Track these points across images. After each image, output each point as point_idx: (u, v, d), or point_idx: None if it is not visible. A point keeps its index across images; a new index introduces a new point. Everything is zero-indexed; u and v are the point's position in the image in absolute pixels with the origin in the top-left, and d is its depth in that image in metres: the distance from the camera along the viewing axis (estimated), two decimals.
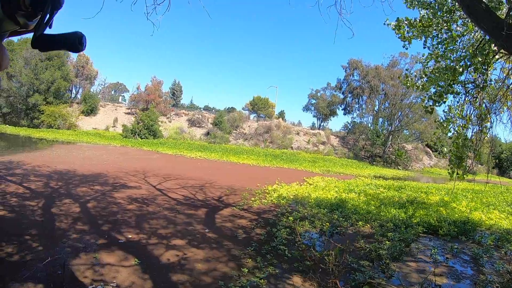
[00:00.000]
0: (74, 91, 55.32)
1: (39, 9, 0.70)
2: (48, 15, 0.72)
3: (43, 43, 0.74)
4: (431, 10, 7.67)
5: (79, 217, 7.92)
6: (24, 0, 0.68)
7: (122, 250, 6.06)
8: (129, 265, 5.47)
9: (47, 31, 0.75)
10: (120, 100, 72.85)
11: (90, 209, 8.67)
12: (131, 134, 42.52)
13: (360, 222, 9.79)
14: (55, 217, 7.70)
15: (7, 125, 43.43)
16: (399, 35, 8.30)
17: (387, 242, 7.96)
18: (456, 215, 12.00)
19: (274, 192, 13.91)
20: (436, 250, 7.87)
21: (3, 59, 0.52)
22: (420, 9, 7.94)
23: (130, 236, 6.85)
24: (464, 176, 7.20)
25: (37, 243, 6.06)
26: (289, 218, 9.39)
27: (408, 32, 8.21)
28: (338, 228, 8.85)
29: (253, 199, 12.12)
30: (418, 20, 7.92)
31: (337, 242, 6.28)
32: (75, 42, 0.74)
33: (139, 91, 54.71)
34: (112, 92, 79.53)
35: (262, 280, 5.32)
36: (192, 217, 8.97)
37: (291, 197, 13.30)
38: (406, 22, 8.08)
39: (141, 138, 41.92)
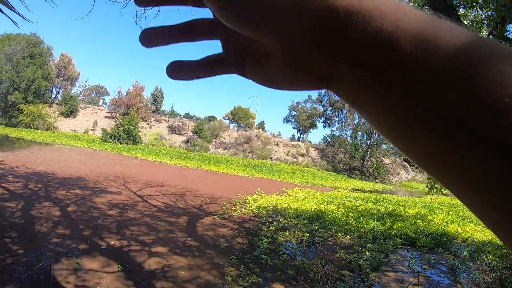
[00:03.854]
0: (54, 91, 54.35)
1: None
2: None
3: None
4: None
5: (59, 221, 7.83)
6: None
7: (104, 256, 6.03)
8: (112, 271, 5.45)
9: None
10: (100, 103, 71.88)
11: (71, 213, 8.58)
12: (111, 138, 42.01)
13: (339, 233, 9.91)
14: (35, 220, 7.60)
15: None
16: None
17: (366, 252, 8.10)
18: (433, 227, 12.25)
19: (254, 202, 13.93)
20: (414, 261, 8.04)
21: None
22: None
23: (112, 242, 6.82)
24: (442, 190, 7.39)
25: (18, 246, 5.98)
26: (270, 228, 9.46)
27: None
28: (318, 239, 8.95)
29: (233, 208, 12.15)
30: None
31: (318, 252, 6.39)
32: None
33: (120, 95, 54.23)
34: (93, 95, 78.52)
35: None
36: (174, 224, 8.95)
37: (271, 207, 13.36)
38: None
39: (120, 143, 41.45)
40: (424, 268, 7.76)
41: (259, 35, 0.33)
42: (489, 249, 9.59)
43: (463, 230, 12.47)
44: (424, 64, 0.26)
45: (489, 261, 8.08)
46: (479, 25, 6.97)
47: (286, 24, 0.31)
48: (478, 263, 8.45)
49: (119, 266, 5.65)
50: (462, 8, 5.97)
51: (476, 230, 12.77)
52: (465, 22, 5.51)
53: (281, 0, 0.31)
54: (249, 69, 0.39)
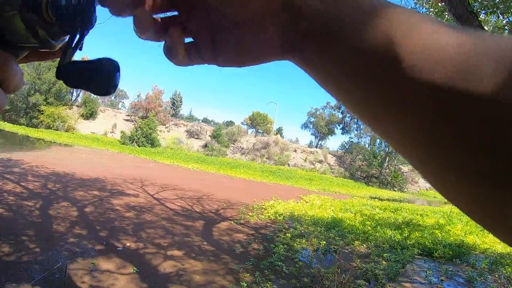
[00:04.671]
0: (75, 93, 55.20)
1: (66, 24, 0.47)
2: (78, 36, 0.49)
3: (71, 74, 0.48)
4: None
5: (76, 221, 7.88)
6: (48, 6, 0.45)
7: (120, 258, 6.03)
8: (127, 273, 5.44)
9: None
10: (119, 107, 72.89)
11: (88, 214, 8.63)
12: (129, 141, 42.40)
13: (356, 242, 9.76)
14: (52, 220, 7.66)
15: (6, 122, 43.28)
16: None
17: (383, 262, 7.96)
18: (451, 238, 11.99)
19: (271, 208, 13.86)
20: (431, 272, 7.87)
21: (15, 79, 0.38)
22: None
23: (128, 244, 6.82)
24: None
25: (34, 244, 6.02)
26: (287, 234, 9.38)
27: None
28: (335, 247, 8.83)
29: (250, 214, 12.09)
30: None
31: (335, 261, 6.28)
32: (108, 80, 0.47)
33: (139, 99, 54.82)
34: (113, 98, 79.55)
35: None
36: (190, 228, 8.93)
37: (288, 214, 13.27)
38: None
39: (139, 146, 41.81)
40: (442, 280, 7.58)
41: (230, 7, 0.36)
42: (508, 261, 9.35)
43: (482, 241, 12.19)
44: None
45: (508, 273, 7.88)
46: (500, 31, 6.84)
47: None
48: (496, 275, 8.23)
49: (134, 268, 5.64)
50: (483, 14, 5.86)
51: (495, 241, 12.45)
52: (486, 28, 5.39)
53: None
54: (222, 43, 0.40)
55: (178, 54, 0.41)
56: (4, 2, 0.43)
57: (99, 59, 0.47)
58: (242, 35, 0.38)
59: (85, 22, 0.49)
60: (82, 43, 0.52)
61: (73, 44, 0.50)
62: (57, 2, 0.46)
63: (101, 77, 0.48)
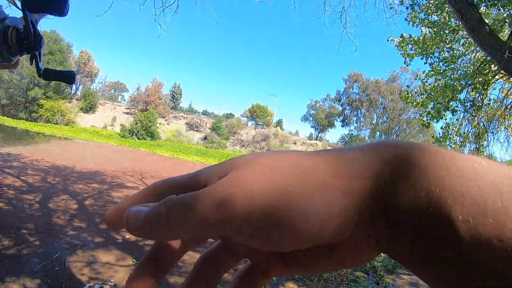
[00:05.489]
0: (74, 87, 55.21)
1: (24, 47, 0.77)
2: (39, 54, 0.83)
3: (47, 74, 0.88)
4: (435, 29, 7.74)
5: (76, 214, 7.91)
6: (12, 35, 0.74)
7: (120, 250, 6.06)
8: (126, 265, 5.47)
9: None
10: (119, 100, 72.76)
11: (88, 207, 8.66)
12: (129, 134, 42.43)
13: None
14: (52, 213, 7.68)
15: (5, 117, 43.28)
16: (401, 51, 8.38)
17: (382, 254, 7.99)
18: None
19: None
20: None
21: None
22: (423, 27, 8.02)
23: (127, 236, 6.84)
24: None
25: (34, 237, 6.05)
26: None
27: (410, 49, 8.29)
28: None
29: None
30: (420, 38, 8.00)
31: None
32: (70, 76, 0.91)
33: (139, 92, 54.80)
34: (112, 91, 79.34)
35: None
36: None
37: None
38: (409, 39, 8.16)
39: (139, 139, 41.84)
40: None
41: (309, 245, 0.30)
42: None
43: None
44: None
45: None
46: (501, 23, 6.83)
47: (344, 226, 0.28)
48: None
49: (134, 260, 5.67)
50: (484, 6, 5.84)
51: None
52: (486, 20, 5.38)
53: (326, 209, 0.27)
54: (294, 263, 0.34)
55: None
56: None
57: (63, 70, 0.89)
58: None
59: (40, 43, 0.78)
60: (41, 56, 0.83)
61: (40, 59, 0.83)
62: (17, 32, 0.74)
63: (65, 74, 0.92)
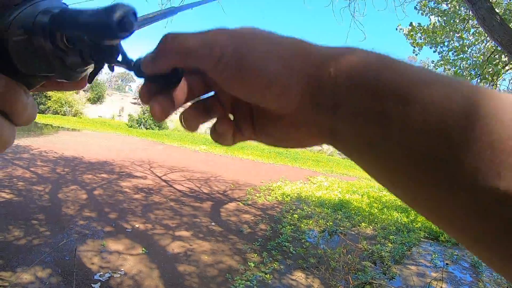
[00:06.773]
0: None
1: (87, 53, 0.38)
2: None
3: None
4: (444, 18, 7.65)
5: (85, 204, 7.97)
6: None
7: (129, 239, 6.11)
8: (136, 253, 5.52)
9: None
10: (126, 90, 72.92)
11: (97, 197, 8.73)
12: (137, 124, 42.53)
13: (362, 224, 9.79)
14: (62, 203, 7.75)
15: None
16: (411, 40, 8.30)
17: (389, 244, 8.00)
18: None
19: (279, 190, 13.89)
20: (436, 255, 7.88)
21: (25, 113, 0.38)
22: (432, 15, 7.93)
23: (137, 226, 6.90)
24: None
25: (45, 228, 6.11)
26: (294, 215, 9.42)
27: (420, 38, 8.20)
28: (341, 228, 8.87)
29: (257, 195, 12.14)
30: (430, 28, 7.91)
31: (341, 242, 6.33)
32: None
33: None
34: (120, 81, 79.61)
35: (268, 275, 5.37)
36: (198, 209, 9.00)
37: (295, 195, 13.31)
38: (419, 28, 8.07)
39: (146, 129, 41.94)
40: (447, 264, 7.58)
41: (265, 102, 0.36)
42: None
43: None
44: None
45: None
46: None
47: (289, 87, 0.34)
48: None
49: (143, 248, 5.72)
50: None
51: None
52: (497, 10, 5.30)
53: (279, 67, 0.34)
54: (260, 128, 0.41)
55: (228, 140, 0.43)
56: (11, 24, 0.35)
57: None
58: (278, 121, 0.39)
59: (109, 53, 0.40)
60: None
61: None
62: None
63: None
